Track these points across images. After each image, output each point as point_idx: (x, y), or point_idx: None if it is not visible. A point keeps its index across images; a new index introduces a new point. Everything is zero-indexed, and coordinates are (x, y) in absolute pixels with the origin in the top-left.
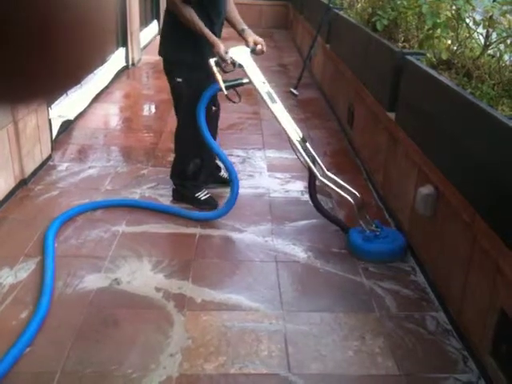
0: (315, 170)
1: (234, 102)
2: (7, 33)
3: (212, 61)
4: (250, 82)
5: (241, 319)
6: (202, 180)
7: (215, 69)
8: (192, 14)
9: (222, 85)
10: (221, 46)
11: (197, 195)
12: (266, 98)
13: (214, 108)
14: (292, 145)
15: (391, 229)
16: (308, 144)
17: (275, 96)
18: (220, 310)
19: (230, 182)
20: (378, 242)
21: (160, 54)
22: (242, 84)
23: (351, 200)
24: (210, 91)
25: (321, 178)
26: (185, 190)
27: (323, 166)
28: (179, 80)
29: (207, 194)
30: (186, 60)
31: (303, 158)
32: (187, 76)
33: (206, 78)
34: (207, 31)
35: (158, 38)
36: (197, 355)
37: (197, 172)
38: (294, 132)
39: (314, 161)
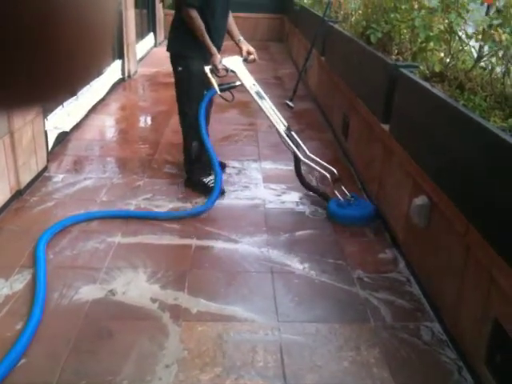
0: (299, 154)
1: (227, 101)
2: (4, 42)
3: (207, 68)
4: (242, 84)
5: (236, 330)
6: (205, 161)
7: (210, 75)
8: (202, 25)
9: (217, 87)
10: (217, 57)
11: (204, 180)
12: (255, 96)
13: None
14: (278, 133)
15: (364, 200)
16: (293, 132)
17: (263, 94)
18: (215, 321)
19: (214, 176)
20: (349, 208)
21: (167, 49)
22: (235, 86)
23: (328, 175)
24: (210, 93)
25: (304, 160)
26: (193, 175)
27: (306, 149)
28: (180, 69)
29: (214, 181)
30: (187, 53)
31: (288, 143)
32: (186, 65)
33: (201, 69)
34: (210, 43)
35: (154, 50)
36: (192, 366)
37: (198, 154)
38: (280, 122)
39: (297, 145)
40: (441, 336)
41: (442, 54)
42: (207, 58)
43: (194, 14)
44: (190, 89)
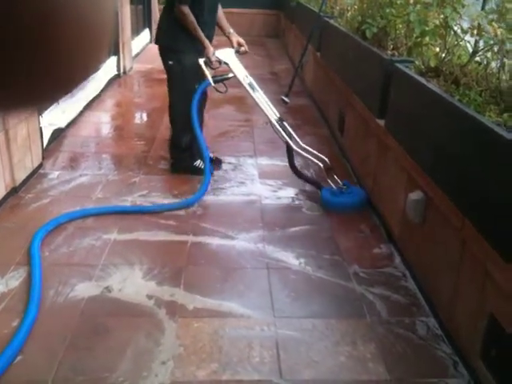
0: (291, 143)
1: (220, 92)
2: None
3: (201, 60)
4: (235, 76)
5: (233, 326)
6: (195, 149)
7: (204, 67)
8: (194, 20)
9: (211, 79)
10: (210, 49)
11: (196, 164)
12: (248, 88)
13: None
14: (270, 123)
15: (356, 187)
16: (285, 123)
17: (256, 86)
18: (212, 317)
19: (203, 164)
20: (343, 196)
21: (156, 42)
22: (227, 78)
23: (321, 164)
24: (203, 85)
25: (296, 149)
26: (182, 162)
27: (298, 139)
28: (171, 63)
29: (203, 164)
30: (178, 47)
31: (281, 134)
32: (178, 59)
33: (194, 62)
34: (203, 36)
35: (150, 46)
36: (189, 362)
37: (189, 143)
38: (273, 113)
39: (290, 135)
40: (436, 331)
41: (438, 49)
42: (200, 50)
43: (186, 10)
44: (183, 82)
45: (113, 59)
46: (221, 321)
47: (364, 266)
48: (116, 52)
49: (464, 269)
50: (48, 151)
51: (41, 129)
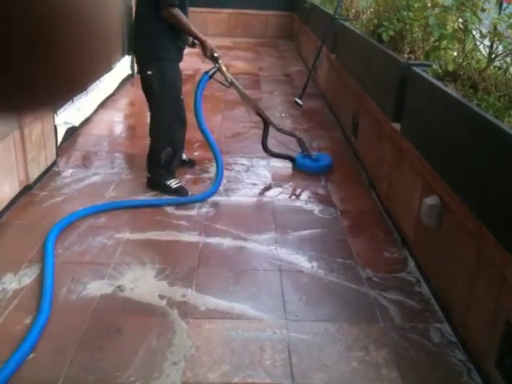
0: (274, 124)
1: (225, 86)
2: (14, 41)
3: (216, 55)
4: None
5: (244, 328)
6: (174, 167)
7: (220, 62)
8: (187, 20)
9: (228, 74)
10: (209, 42)
11: (168, 183)
12: (231, 77)
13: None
14: (251, 104)
15: (324, 154)
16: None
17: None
18: (224, 319)
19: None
20: (313, 161)
21: (134, 49)
22: (216, 71)
23: (296, 139)
24: (203, 81)
25: (279, 128)
26: (157, 177)
27: (275, 123)
28: (150, 72)
29: (178, 182)
30: (159, 54)
31: (265, 115)
32: (159, 68)
33: (175, 71)
34: (198, 33)
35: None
36: (200, 364)
37: (169, 160)
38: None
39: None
40: (450, 337)
41: (455, 53)
42: (179, 59)
43: (177, 11)
44: (165, 93)
45: (126, 59)
46: (233, 322)
47: (377, 270)
48: (130, 52)
49: (479, 275)
50: (62, 149)
51: (55, 127)
